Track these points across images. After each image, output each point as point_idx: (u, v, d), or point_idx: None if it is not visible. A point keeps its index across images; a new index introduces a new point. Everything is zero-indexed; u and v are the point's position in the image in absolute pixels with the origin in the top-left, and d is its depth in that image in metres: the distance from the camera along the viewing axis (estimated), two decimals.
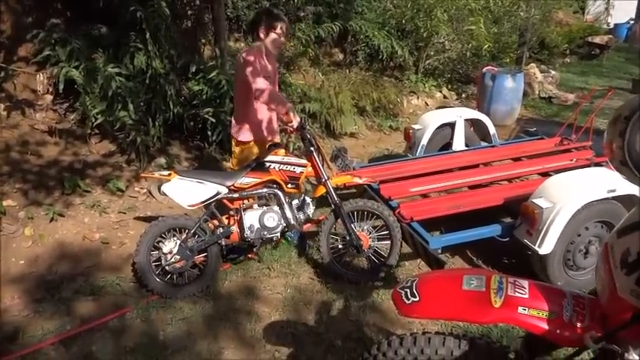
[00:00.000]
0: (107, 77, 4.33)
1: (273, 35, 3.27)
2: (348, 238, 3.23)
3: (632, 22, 15.24)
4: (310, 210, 3.29)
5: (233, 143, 3.50)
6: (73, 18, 4.82)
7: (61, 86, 4.25)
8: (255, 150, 3.47)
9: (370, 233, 3.30)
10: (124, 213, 4.09)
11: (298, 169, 3.18)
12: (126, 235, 3.79)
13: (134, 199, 4.32)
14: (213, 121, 4.92)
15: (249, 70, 3.13)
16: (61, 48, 4.30)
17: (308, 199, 3.29)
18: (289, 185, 3.20)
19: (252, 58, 3.15)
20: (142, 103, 4.70)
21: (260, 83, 3.09)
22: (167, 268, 3.08)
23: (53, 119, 4.61)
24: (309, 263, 3.51)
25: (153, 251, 3.11)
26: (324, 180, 3.19)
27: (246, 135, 3.40)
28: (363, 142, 6.31)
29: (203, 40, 6.04)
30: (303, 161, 3.21)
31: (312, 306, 3.08)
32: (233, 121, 3.47)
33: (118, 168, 4.58)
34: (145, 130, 4.66)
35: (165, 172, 3.17)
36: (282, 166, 3.16)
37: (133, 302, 3.06)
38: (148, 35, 4.60)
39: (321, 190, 3.23)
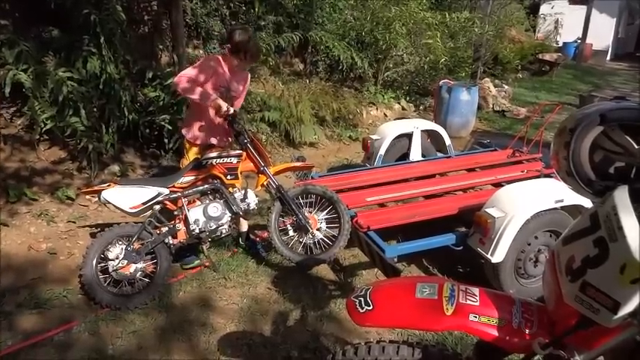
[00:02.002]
0: (58, 81, 4.18)
1: (236, 55, 3.28)
2: (296, 221, 3.30)
3: (579, 41, 16.01)
4: (254, 201, 3.32)
5: (185, 144, 3.49)
6: (22, 20, 4.63)
7: (7, 89, 4.06)
8: (200, 148, 3.47)
9: (320, 221, 3.36)
10: (74, 222, 3.93)
11: (235, 160, 3.26)
12: (75, 245, 3.64)
13: (85, 208, 4.16)
14: (170, 128, 4.82)
15: (181, 72, 3.19)
16: (8, 50, 4.11)
17: (250, 191, 3.33)
18: (229, 177, 3.26)
19: (202, 61, 3.26)
20: (94, 109, 4.55)
21: (181, 83, 3.09)
22: (115, 275, 3.00)
23: None
24: (267, 273, 3.47)
25: (101, 262, 3.02)
26: (262, 168, 3.29)
27: (194, 135, 3.40)
28: (323, 152, 6.33)
29: (161, 47, 5.92)
30: (238, 151, 3.29)
31: (269, 316, 3.03)
32: (184, 121, 3.53)
33: (68, 175, 4.41)
34: (97, 137, 4.51)
35: (105, 185, 3.16)
36: (218, 159, 3.23)
37: (81, 315, 2.93)
38: (102, 39, 4.47)
39: (262, 179, 3.32)
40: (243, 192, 3.30)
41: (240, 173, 3.31)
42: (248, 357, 2.67)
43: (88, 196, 4.24)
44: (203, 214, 3.19)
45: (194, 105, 3.36)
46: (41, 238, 3.68)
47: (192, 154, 3.44)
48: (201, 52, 6.53)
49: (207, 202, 3.25)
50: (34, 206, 3.99)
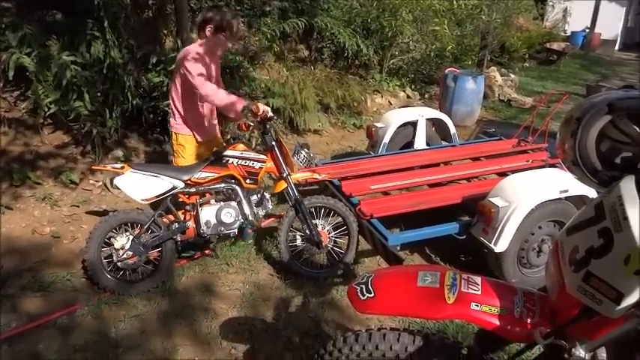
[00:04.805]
0: (61, 65, 4.16)
1: (220, 37, 3.09)
2: (308, 234, 3.21)
3: (587, 30, 15.82)
4: (269, 206, 3.25)
5: (173, 139, 3.31)
6: (25, 3, 4.59)
7: (11, 73, 4.05)
8: (198, 144, 3.33)
9: (329, 233, 3.30)
10: (77, 206, 3.94)
11: (257, 165, 3.12)
12: (78, 229, 3.66)
13: (88, 192, 4.17)
14: None
15: (194, 75, 2.98)
16: (12, 33, 4.09)
17: (267, 195, 3.23)
18: (248, 181, 3.13)
19: (194, 60, 3.01)
20: (98, 94, 4.54)
21: (207, 89, 2.99)
22: (119, 264, 2.97)
23: (2, 108, 4.40)
24: (269, 259, 3.47)
25: (104, 247, 2.98)
26: (285, 175, 3.15)
27: (185, 129, 3.26)
28: (327, 139, 6.31)
29: (165, 31, 5.88)
30: (262, 156, 3.15)
31: (271, 302, 3.04)
32: (172, 115, 3.27)
33: (72, 160, 4.41)
34: (101, 122, 4.50)
35: (119, 165, 3.02)
36: (240, 160, 3.09)
37: (84, 299, 2.95)
38: (106, 23, 4.44)
39: (282, 186, 3.18)
40: (259, 195, 3.20)
41: (261, 179, 3.19)
42: (250, 342, 2.69)
43: (92, 181, 4.25)
44: (215, 218, 3.09)
45: (192, 100, 3.19)
46: (45, 221, 3.70)
47: (182, 150, 3.29)
48: None
49: (222, 204, 3.14)
50: (38, 190, 4.00)
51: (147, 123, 4.99)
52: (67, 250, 3.43)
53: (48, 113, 4.26)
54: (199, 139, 3.31)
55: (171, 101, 3.27)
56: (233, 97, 3.04)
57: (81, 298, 2.95)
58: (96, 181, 4.28)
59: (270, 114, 3.04)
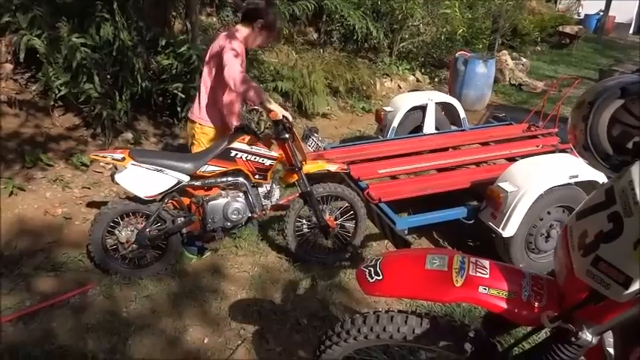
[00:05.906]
0: (71, 47, 4.17)
1: (265, 33, 3.08)
2: (316, 222, 3.20)
3: (601, 13, 15.54)
4: (277, 196, 3.19)
5: (197, 129, 3.19)
6: None
7: (22, 55, 4.08)
8: (218, 134, 3.23)
9: (336, 219, 3.29)
10: (88, 188, 3.98)
11: (268, 162, 3.01)
12: (89, 211, 3.69)
13: (99, 175, 4.21)
14: (183, 96, 4.81)
15: (231, 59, 2.85)
16: (22, 15, 4.10)
17: (276, 187, 3.16)
18: (257, 176, 3.03)
19: (236, 48, 2.90)
20: (108, 76, 4.56)
21: (240, 76, 2.83)
22: (125, 254, 2.94)
23: (13, 89, 4.43)
24: (278, 242, 3.50)
25: (107, 237, 2.92)
26: (297, 169, 3.05)
27: (213, 120, 3.17)
28: (336, 123, 6.30)
29: (174, 14, 5.86)
30: (274, 154, 3.03)
31: (279, 285, 3.08)
32: (198, 104, 3.17)
33: (83, 142, 4.45)
34: (111, 104, 4.52)
35: (119, 156, 2.78)
36: (249, 156, 2.95)
37: (96, 279, 2.99)
38: (115, 5, 4.43)
39: (293, 178, 3.11)
40: (268, 188, 3.13)
41: (270, 174, 3.09)
42: (258, 323, 2.73)
43: (102, 163, 4.28)
44: (222, 214, 3.00)
45: (222, 88, 3.07)
46: (57, 203, 3.74)
47: (206, 139, 3.19)
48: (214, 19, 6.46)
49: (229, 199, 3.02)
50: (50, 172, 4.05)
51: (156, 106, 5.01)
52: (78, 231, 3.47)
53: (58, 95, 4.29)
54: (232, 126, 3.19)
55: (203, 90, 3.11)
56: (259, 90, 2.88)
57: (93, 279, 3.00)
58: (107, 163, 4.30)
59: (288, 117, 2.93)
